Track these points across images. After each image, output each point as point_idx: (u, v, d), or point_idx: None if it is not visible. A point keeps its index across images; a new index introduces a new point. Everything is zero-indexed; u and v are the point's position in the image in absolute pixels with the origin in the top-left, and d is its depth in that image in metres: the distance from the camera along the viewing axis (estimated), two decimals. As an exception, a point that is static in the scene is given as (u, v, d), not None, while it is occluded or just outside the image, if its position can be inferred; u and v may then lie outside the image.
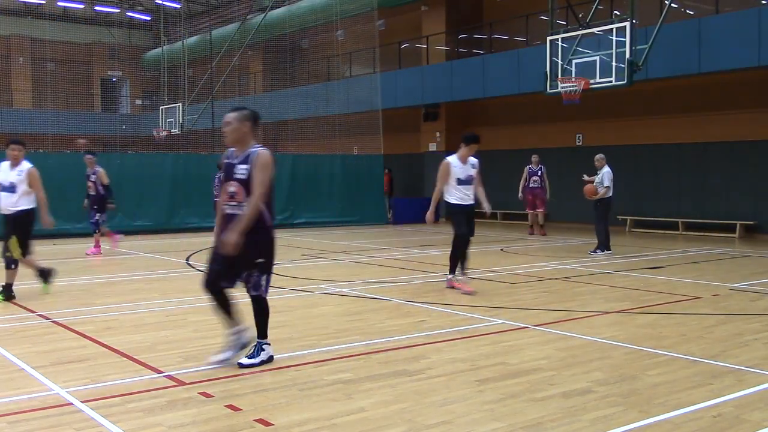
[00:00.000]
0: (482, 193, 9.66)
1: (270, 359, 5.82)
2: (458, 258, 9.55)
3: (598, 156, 14.24)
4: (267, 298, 5.77)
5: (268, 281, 5.72)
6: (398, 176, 26.24)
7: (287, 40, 29.30)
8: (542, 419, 4.50)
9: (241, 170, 5.57)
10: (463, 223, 9.44)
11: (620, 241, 16.35)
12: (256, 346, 5.80)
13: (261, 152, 5.60)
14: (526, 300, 8.92)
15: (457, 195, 9.40)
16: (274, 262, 5.77)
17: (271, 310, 5.86)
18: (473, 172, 9.46)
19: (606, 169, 13.93)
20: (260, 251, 5.62)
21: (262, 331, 5.81)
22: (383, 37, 25.23)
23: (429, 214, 9.71)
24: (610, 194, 13.90)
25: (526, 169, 18.49)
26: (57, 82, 36.15)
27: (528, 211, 18.73)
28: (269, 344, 5.86)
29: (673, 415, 4.56)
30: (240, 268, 5.63)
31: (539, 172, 18.27)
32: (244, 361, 5.70)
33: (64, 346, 6.54)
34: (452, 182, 9.38)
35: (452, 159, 9.46)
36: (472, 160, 9.49)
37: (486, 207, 9.79)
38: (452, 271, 9.64)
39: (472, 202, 9.52)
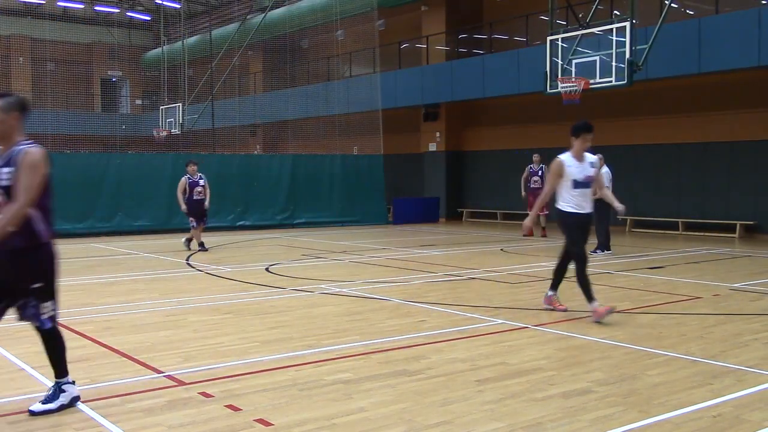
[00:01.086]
0: (609, 193, 8.56)
1: (73, 401, 4.76)
2: (587, 282, 7.73)
3: (596, 156, 14.20)
4: (58, 327, 4.75)
5: (53, 308, 4.69)
6: (398, 176, 26.23)
7: (287, 40, 29.30)
8: (542, 419, 4.50)
9: (5, 174, 4.54)
10: (582, 238, 7.93)
11: (620, 241, 16.34)
12: (53, 387, 4.75)
13: (29, 150, 4.56)
14: (526, 300, 8.92)
15: (573, 201, 7.75)
16: (57, 282, 4.73)
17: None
18: (592, 172, 7.87)
19: (605, 170, 13.90)
20: (35, 274, 4.60)
21: (59, 368, 4.75)
22: (383, 37, 25.23)
23: (528, 221, 8.23)
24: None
25: (528, 168, 18.21)
26: (57, 82, 36.12)
27: (529, 212, 18.44)
28: (72, 383, 4.79)
29: (673, 415, 4.57)
30: (12, 297, 4.62)
31: (540, 172, 17.81)
32: (36, 407, 4.62)
33: (64, 346, 6.53)
34: (567, 185, 7.73)
35: (565, 157, 7.80)
36: (591, 157, 7.95)
37: (618, 207, 8.58)
38: (554, 287, 8.25)
39: (591, 210, 7.90)
